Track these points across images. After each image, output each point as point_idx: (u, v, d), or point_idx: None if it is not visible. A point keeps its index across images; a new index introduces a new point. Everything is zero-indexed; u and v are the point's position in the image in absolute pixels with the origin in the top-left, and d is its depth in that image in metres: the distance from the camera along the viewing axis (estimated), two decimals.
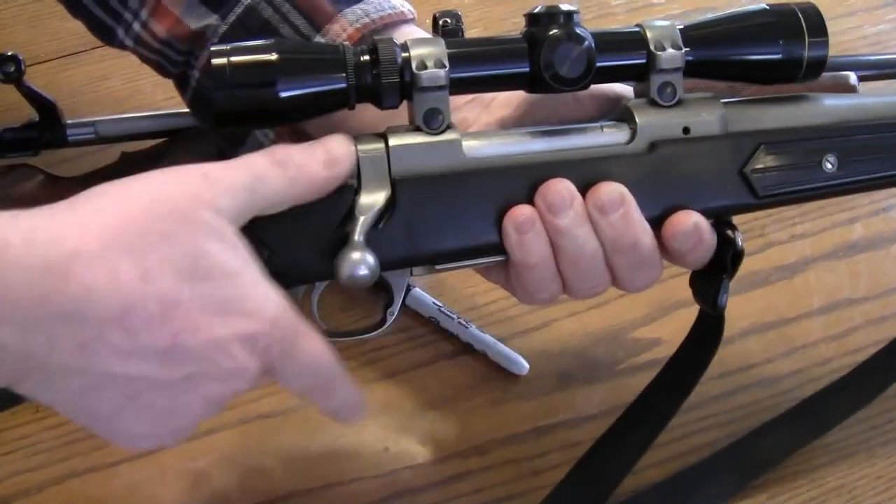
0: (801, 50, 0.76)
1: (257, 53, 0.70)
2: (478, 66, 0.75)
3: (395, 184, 0.73)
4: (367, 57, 0.72)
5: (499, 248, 0.75)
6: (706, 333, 0.84)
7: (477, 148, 0.75)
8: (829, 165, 0.79)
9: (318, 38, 0.83)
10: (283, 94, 0.70)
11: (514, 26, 1.29)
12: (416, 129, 0.74)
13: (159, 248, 0.63)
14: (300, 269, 0.74)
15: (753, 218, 1.06)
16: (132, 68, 0.93)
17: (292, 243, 0.73)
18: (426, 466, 0.91)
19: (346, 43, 0.75)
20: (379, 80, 0.72)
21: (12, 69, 0.98)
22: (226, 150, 0.91)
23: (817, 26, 0.77)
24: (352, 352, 0.96)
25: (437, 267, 0.76)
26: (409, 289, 0.99)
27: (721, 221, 0.79)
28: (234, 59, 0.70)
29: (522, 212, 0.74)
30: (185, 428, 0.69)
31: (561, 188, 0.74)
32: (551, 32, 0.73)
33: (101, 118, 1.05)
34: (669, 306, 1.00)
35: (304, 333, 0.69)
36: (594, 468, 0.87)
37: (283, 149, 0.70)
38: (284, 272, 0.72)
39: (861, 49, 1.25)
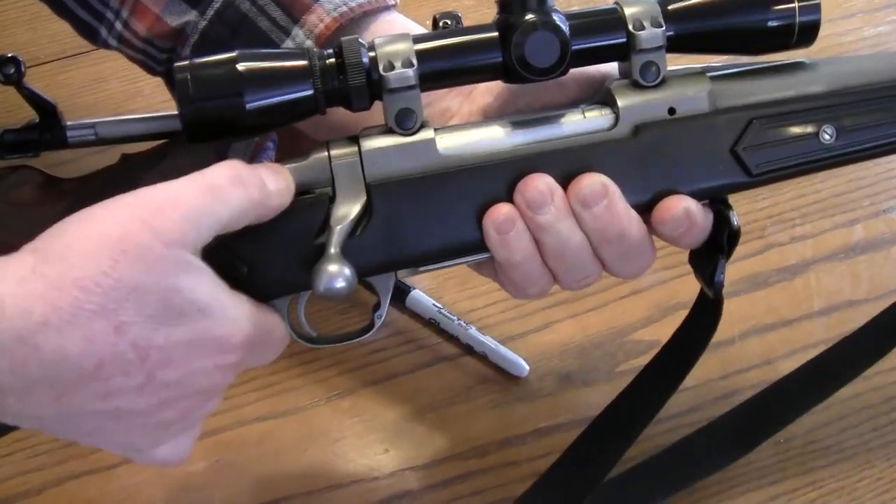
0: (792, 14, 0.73)
1: (220, 66, 0.70)
2: (448, 59, 0.73)
3: (370, 189, 0.72)
4: (332, 60, 0.71)
5: (482, 245, 0.74)
6: (702, 317, 0.82)
7: (453, 146, 0.73)
8: (826, 136, 0.75)
9: (297, 30, 0.82)
10: (250, 106, 0.69)
11: None
12: (390, 130, 0.73)
13: (131, 300, 0.63)
14: (280, 281, 0.73)
15: (753, 219, 1.07)
16: (132, 70, 0.93)
17: (269, 258, 0.72)
18: (426, 468, 0.91)
19: (312, 46, 0.74)
20: (346, 83, 0.71)
21: (12, 71, 0.98)
22: (223, 150, 0.90)
23: None
24: (352, 353, 0.96)
25: (421, 269, 0.76)
26: (408, 290, 0.99)
27: (715, 200, 0.77)
28: (196, 73, 0.69)
29: (502, 211, 0.72)
30: (178, 431, 0.70)
31: (540, 184, 0.72)
32: (523, 20, 0.71)
33: (100, 120, 1.04)
34: (669, 308, 0.99)
35: (273, 329, 0.70)
36: (582, 458, 0.87)
37: (242, 166, 0.69)
38: (264, 286, 0.72)
39: (861, 51, 1.25)
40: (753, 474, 0.91)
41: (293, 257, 0.72)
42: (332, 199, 0.72)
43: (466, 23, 0.76)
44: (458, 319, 0.98)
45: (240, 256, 0.71)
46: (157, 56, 0.87)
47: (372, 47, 0.71)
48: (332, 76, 0.71)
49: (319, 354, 0.95)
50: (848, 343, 0.91)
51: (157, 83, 0.93)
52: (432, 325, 0.99)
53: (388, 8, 0.84)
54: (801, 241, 1.07)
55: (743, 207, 1.04)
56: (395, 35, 0.72)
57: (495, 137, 0.74)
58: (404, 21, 0.84)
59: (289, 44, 0.82)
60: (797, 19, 0.73)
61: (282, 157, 0.77)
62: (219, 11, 0.83)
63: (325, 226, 0.72)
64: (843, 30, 1.26)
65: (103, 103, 1.18)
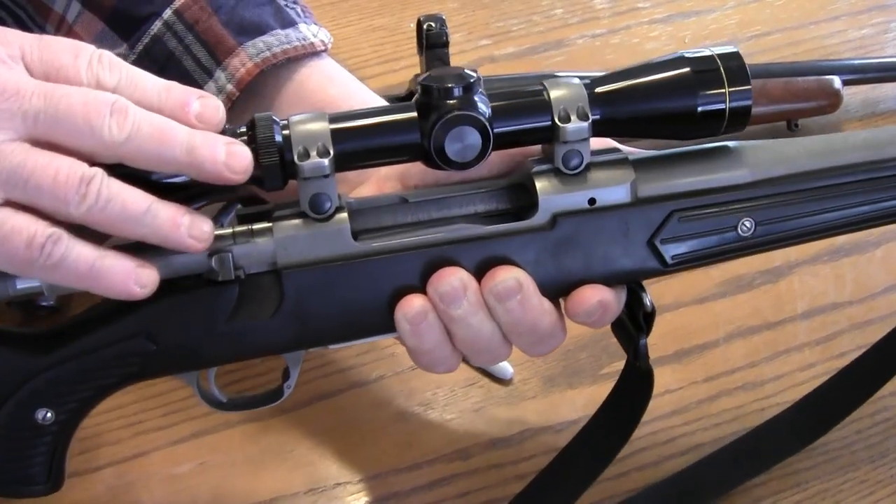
0: (721, 101, 0.70)
1: None
2: (366, 143, 0.70)
3: (281, 275, 0.71)
4: (244, 139, 0.68)
5: (394, 328, 0.73)
6: (634, 386, 0.80)
7: (368, 238, 0.72)
8: (744, 228, 0.74)
9: (219, 72, 0.82)
10: (164, 182, 0.68)
11: (497, 30, 1.30)
12: (303, 214, 0.70)
13: None
14: (189, 360, 0.73)
15: None
16: None
17: (179, 339, 0.71)
18: (411, 470, 0.91)
19: (225, 126, 0.69)
20: (258, 163, 0.68)
21: None
22: None
23: (739, 74, 0.70)
24: (339, 356, 0.96)
25: (330, 346, 0.75)
26: None
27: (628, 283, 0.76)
28: None
29: (414, 304, 0.71)
30: None
31: (453, 280, 0.71)
32: (445, 109, 0.68)
33: None
34: None
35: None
36: None
37: None
38: (172, 363, 0.72)
39: (845, 53, 1.26)
40: None
41: (205, 338, 0.71)
42: (241, 285, 0.71)
43: (451, 26, 0.75)
44: None
45: (148, 334, 0.71)
46: None
47: (286, 126, 0.69)
48: None
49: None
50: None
51: None
52: None
53: (316, 54, 0.83)
54: None
55: None
56: (310, 114, 0.69)
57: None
58: (332, 67, 0.84)
59: (211, 86, 0.81)
60: (728, 105, 0.71)
61: None
62: (147, 47, 0.83)
63: (237, 310, 0.71)
64: (828, 32, 1.27)
65: None
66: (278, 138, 0.68)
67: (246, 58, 0.81)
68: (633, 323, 0.76)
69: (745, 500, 0.89)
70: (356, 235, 0.71)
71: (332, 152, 0.68)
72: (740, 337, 1.00)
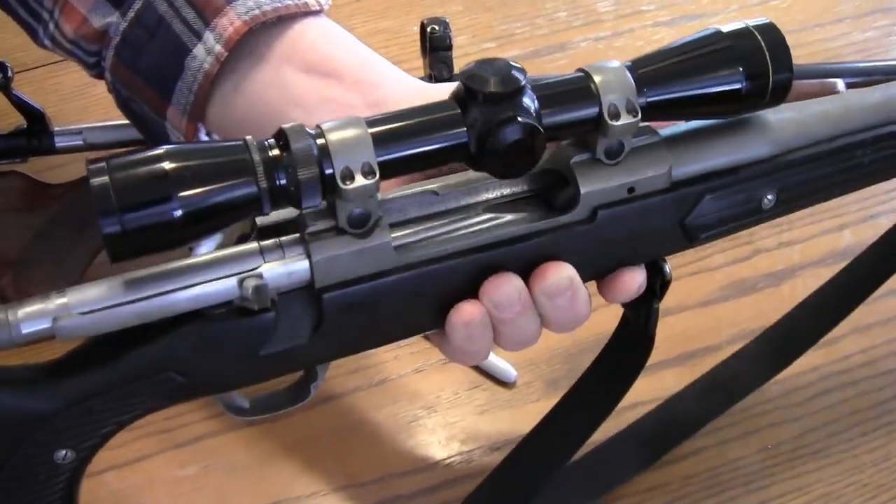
0: (765, 76, 0.69)
1: (145, 166, 0.61)
2: (411, 151, 0.65)
3: (321, 297, 0.67)
4: (276, 152, 0.63)
5: (431, 328, 0.72)
6: (633, 347, 0.80)
7: (409, 247, 0.69)
8: (767, 201, 0.75)
9: (207, 33, 0.79)
10: (181, 213, 0.60)
11: (501, 33, 1.30)
12: (341, 230, 0.65)
13: None
14: (220, 387, 0.70)
15: None
16: None
17: (211, 369, 0.67)
18: (414, 474, 0.91)
19: (250, 139, 0.63)
20: (296, 180, 0.62)
21: (0, 76, 0.98)
22: None
23: (778, 45, 0.70)
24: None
25: (361, 352, 0.73)
26: None
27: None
28: (117, 178, 0.60)
29: (471, 312, 0.70)
30: None
31: (509, 289, 0.70)
32: (495, 115, 0.64)
33: (88, 125, 1.05)
34: None
35: None
36: (505, 482, 0.86)
37: None
38: (202, 391, 0.69)
39: (849, 56, 1.26)
40: (741, 479, 0.91)
41: (240, 366, 0.68)
42: (277, 314, 0.66)
43: (455, 29, 0.75)
44: None
45: (176, 370, 0.66)
46: (85, 59, 0.85)
47: (320, 134, 0.63)
48: (277, 171, 0.63)
49: None
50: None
51: None
52: None
53: (312, 13, 0.80)
54: (788, 247, 1.07)
55: None
56: (343, 121, 0.64)
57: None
58: (328, 25, 0.81)
59: (200, 48, 0.79)
60: (771, 79, 0.69)
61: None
62: (138, 13, 0.81)
63: (272, 335, 0.67)
64: (832, 35, 1.27)
65: (91, 109, 1.18)
66: (315, 151, 0.63)
67: (234, 16, 0.78)
68: (649, 289, 0.76)
69: (749, 502, 0.89)
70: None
71: (377, 172, 0.63)
72: (744, 340, 0.99)
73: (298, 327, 0.67)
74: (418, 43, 1.02)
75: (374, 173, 0.63)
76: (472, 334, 0.71)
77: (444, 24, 0.80)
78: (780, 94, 0.71)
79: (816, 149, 0.76)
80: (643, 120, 0.68)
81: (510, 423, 0.94)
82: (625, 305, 0.79)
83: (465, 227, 0.70)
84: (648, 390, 0.93)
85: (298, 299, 0.67)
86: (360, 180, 0.63)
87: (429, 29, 0.94)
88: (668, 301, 0.98)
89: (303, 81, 0.78)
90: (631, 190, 0.71)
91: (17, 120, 1.03)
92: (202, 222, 0.61)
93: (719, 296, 1.03)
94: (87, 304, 0.63)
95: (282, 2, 0.79)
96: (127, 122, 1.04)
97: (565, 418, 0.84)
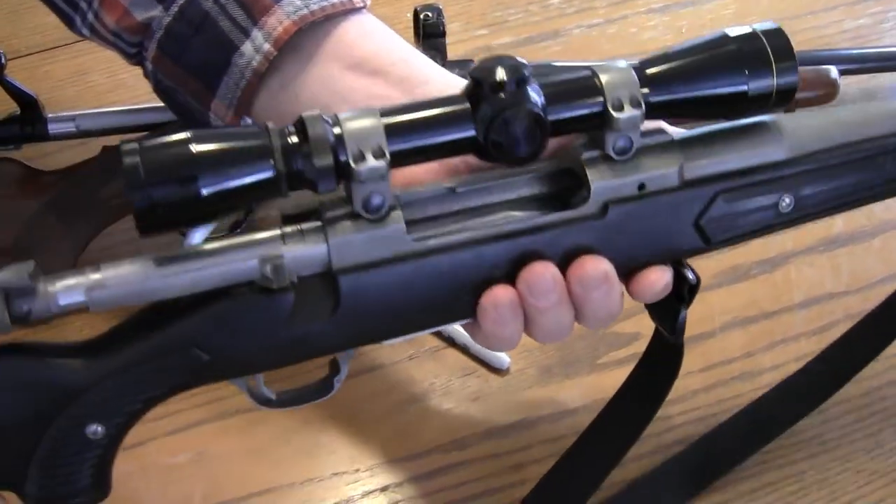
0: (770, 79, 0.70)
1: (173, 147, 0.65)
2: (421, 141, 0.68)
3: (337, 279, 0.69)
4: (294, 139, 0.66)
5: (457, 319, 0.72)
6: (664, 360, 0.80)
7: (427, 237, 0.70)
8: (784, 205, 0.75)
9: (255, 31, 0.80)
10: (205, 192, 0.64)
11: (493, 20, 1.30)
12: (357, 215, 0.68)
13: None
14: (244, 367, 0.71)
15: None
16: (114, 62, 0.93)
17: (234, 348, 0.69)
18: (408, 460, 0.91)
19: (271, 125, 0.67)
20: (311, 165, 0.66)
21: None
22: None
23: (784, 50, 0.70)
24: None
25: (386, 343, 0.73)
26: None
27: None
28: (147, 157, 0.64)
29: (501, 295, 0.71)
30: None
31: (547, 275, 0.70)
32: (498, 103, 0.67)
33: (82, 112, 1.04)
34: None
35: None
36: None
37: None
38: (227, 371, 0.71)
39: (842, 43, 1.25)
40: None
41: (259, 348, 0.70)
42: (296, 288, 0.68)
43: (448, 16, 0.76)
44: None
45: (201, 347, 0.69)
46: (126, 49, 0.86)
47: (337, 122, 0.67)
48: (294, 156, 0.66)
49: None
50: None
51: (139, 76, 0.93)
52: None
53: (355, 10, 0.82)
54: (781, 234, 1.07)
55: None
56: (360, 111, 0.68)
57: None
58: (371, 22, 0.83)
59: (248, 45, 0.80)
60: (775, 82, 0.71)
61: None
62: (182, 8, 0.82)
63: (292, 316, 0.69)
64: (825, 22, 1.27)
65: (85, 96, 1.18)
66: (331, 138, 0.66)
67: (283, 16, 0.79)
68: (677, 295, 0.76)
69: (742, 489, 0.89)
70: (407, 227, 0.70)
71: (387, 154, 0.66)
72: (737, 327, 1.00)
73: (318, 310, 0.69)
74: (412, 30, 1.02)
75: (384, 155, 0.66)
76: (502, 317, 0.71)
77: (438, 11, 0.81)
78: (785, 98, 0.71)
79: (836, 153, 0.76)
80: (648, 117, 0.70)
81: (503, 410, 0.94)
82: (653, 312, 0.79)
83: (483, 223, 0.71)
84: None
85: (318, 282, 0.69)
86: (371, 161, 0.66)
87: (422, 16, 0.94)
88: None
89: (349, 79, 0.79)
90: (642, 187, 0.72)
91: (10, 107, 1.03)
92: (224, 200, 0.65)
93: (712, 282, 1.03)
94: (120, 278, 0.66)
95: (328, 0, 0.80)
96: (120, 109, 1.04)
97: (607, 429, 0.84)
